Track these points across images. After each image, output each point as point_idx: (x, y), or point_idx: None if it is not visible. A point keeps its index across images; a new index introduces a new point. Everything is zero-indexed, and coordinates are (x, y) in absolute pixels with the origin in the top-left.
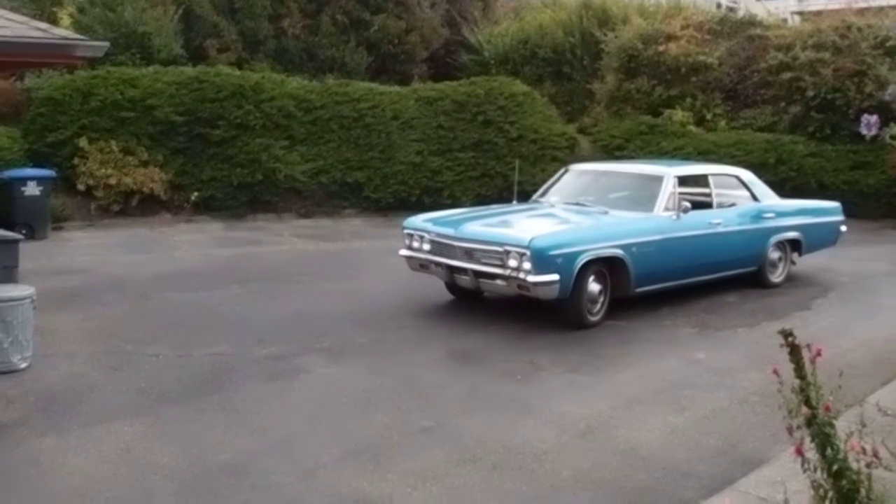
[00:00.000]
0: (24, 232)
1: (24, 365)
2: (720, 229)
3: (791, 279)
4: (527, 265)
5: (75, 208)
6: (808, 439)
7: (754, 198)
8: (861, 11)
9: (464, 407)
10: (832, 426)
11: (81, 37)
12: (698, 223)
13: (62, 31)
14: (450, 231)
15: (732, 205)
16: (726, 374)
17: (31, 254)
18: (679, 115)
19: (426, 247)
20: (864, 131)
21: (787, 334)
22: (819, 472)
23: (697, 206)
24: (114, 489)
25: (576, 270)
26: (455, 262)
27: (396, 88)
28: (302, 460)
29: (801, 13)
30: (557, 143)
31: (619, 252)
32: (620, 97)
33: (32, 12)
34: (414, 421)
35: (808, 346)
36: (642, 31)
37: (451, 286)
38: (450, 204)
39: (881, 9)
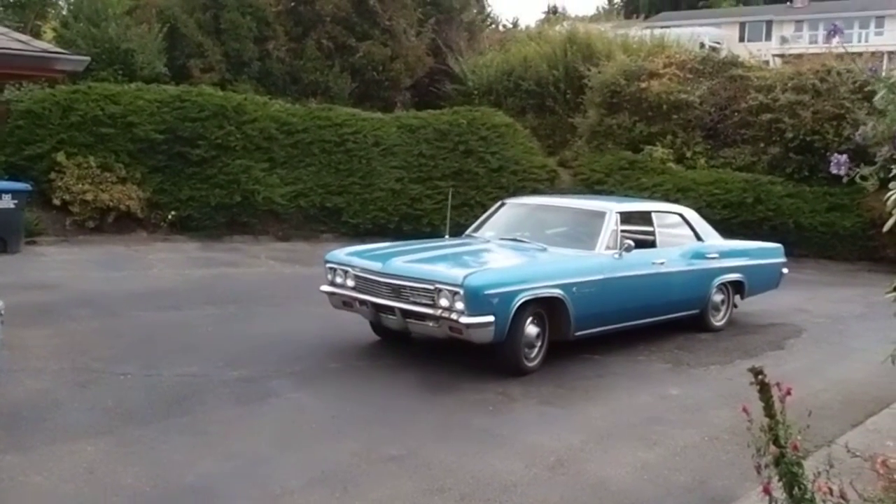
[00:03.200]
0: None
1: None
2: (663, 269)
3: (765, 318)
4: (459, 305)
5: (50, 223)
6: (775, 478)
7: (697, 237)
8: (841, 56)
9: (434, 436)
10: (800, 465)
11: (62, 50)
12: (641, 263)
13: (42, 45)
14: (376, 266)
15: (676, 244)
16: (698, 410)
17: (2, 267)
18: (659, 151)
19: (350, 283)
20: (833, 170)
21: (756, 372)
22: None
23: (640, 244)
24: None
25: (512, 312)
26: (381, 300)
27: (379, 115)
28: (268, 485)
29: (782, 56)
30: (538, 175)
31: (558, 292)
32: (602, 132)
33: (15, 24)
34: (383, 449)
35: (778, 384)
36: (625, 67)
37: (377, 326)
38: (429, 232)
39: (860, 54)
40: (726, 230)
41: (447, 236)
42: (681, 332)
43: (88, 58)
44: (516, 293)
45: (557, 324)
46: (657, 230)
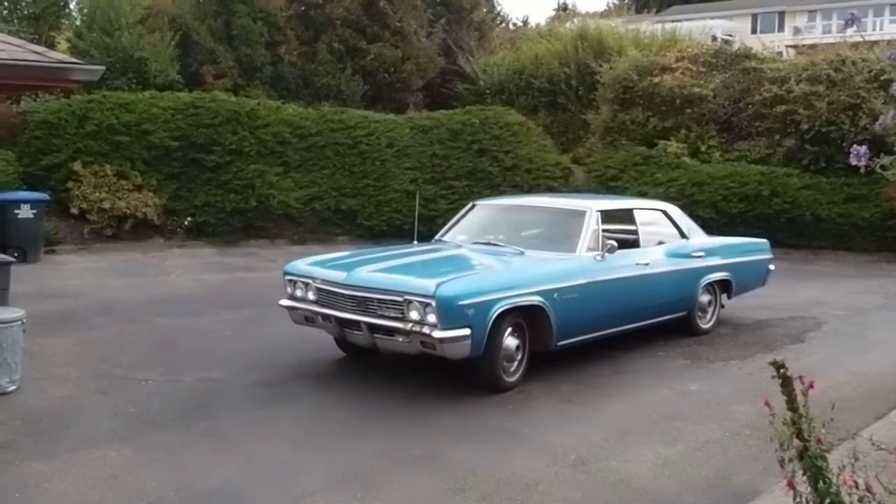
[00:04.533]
0: (16, 255)
1: (12, 388)
2: (649, 270)
3: (784, 311)
4: (431, 318)
5: (68, 232)
6: (799, 472)
7: (682, 235)
8: (855, 45)
9: (455, 436)
10: (824, 459)
11: (77, 61)
12: (625, 264)
13: (58, 55)
14: (339, 277)
15: (660, 243)
16: (718, 406)
17: (22, 276)
18: (673, 146)
19: (311, 296)
20: (853, 162)
21: (779, 366)
22: None
23: (622, 244)
24: None
25: (490, 323)
26: (345, 314)
27: (392, 116)
28: (290, 487)
29: (795, 46)
30: (552, 173)
31: (538, 300)
32: (615, 128)
33: (30, 36)
34: (404, 449)
35: (801, 378)
36: (637, 62)
37: (342, 342)
38: None
39: (875, 43)
40: (742, 224)
41: (416, 242)
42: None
43: (103, 67)
44: (493, 302)
45: (538, 334)
46: (640, 229)
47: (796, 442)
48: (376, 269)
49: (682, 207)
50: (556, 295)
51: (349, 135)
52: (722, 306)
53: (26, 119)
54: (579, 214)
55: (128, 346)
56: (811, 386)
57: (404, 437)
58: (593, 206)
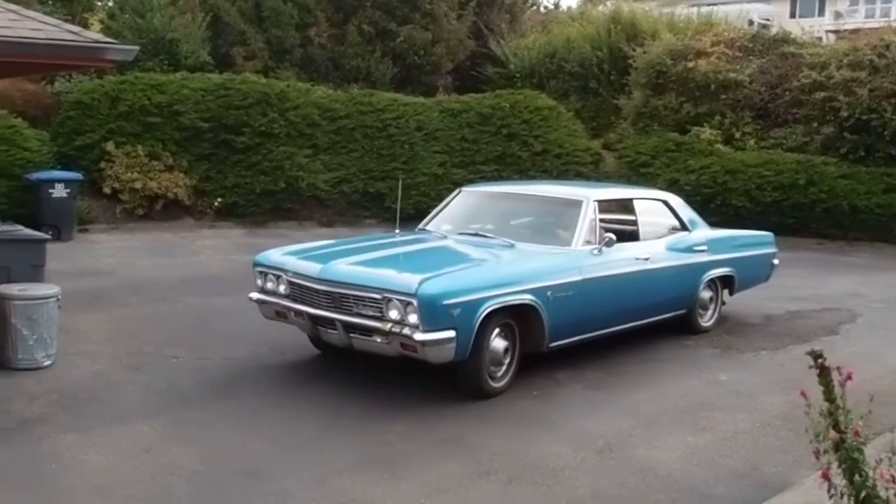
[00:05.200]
0: (50, 233)
1: (47, 363)
2: (649, 266)
3: (818, 303)
4: (413, 318)
5: (101, 211)
6: (835, 464)
7: (684, 227)
8: None
9: (481, 419)
10: (861, 452)
11: (112, 41)
12: (624, 259)
13: (93, 35)
14: (313, 270)
15: (661, 235)
16: (748, 396)
17: (56, 254)
18: (707, 133)
19: (283, 289)
20: None
21: (816, 356)
22: (846, 498)
23: (620, 237)
24: (132, 487)
25: (477, 324)
26: (319, 311)
27: (421, 99)
28: (316, 467)
29: (836, 31)
30: (582, 158)
31: (530, 298)
32: (647, 113)
33: (63, 17)
34: (430, 431)
35: (839, 368)
36: (671, 46)
37: (316, 340)
38: None
39: None
40: (776, 213)
41: (398, 231)
42: (729, 317)
43: (137, 47)
44: (481, 302)
45: (529, 335)
46: (640, 220)
47: (833, 433)
48: (354, 263)
49: (714, 196)
50: (549, 293)
51: (378, 118)
52: (723, 303)
53: (60, 100)
54: (575, 204)
55: (158, 324)
56: (849, 377)
57: (429, 420)
58: (590, 194)
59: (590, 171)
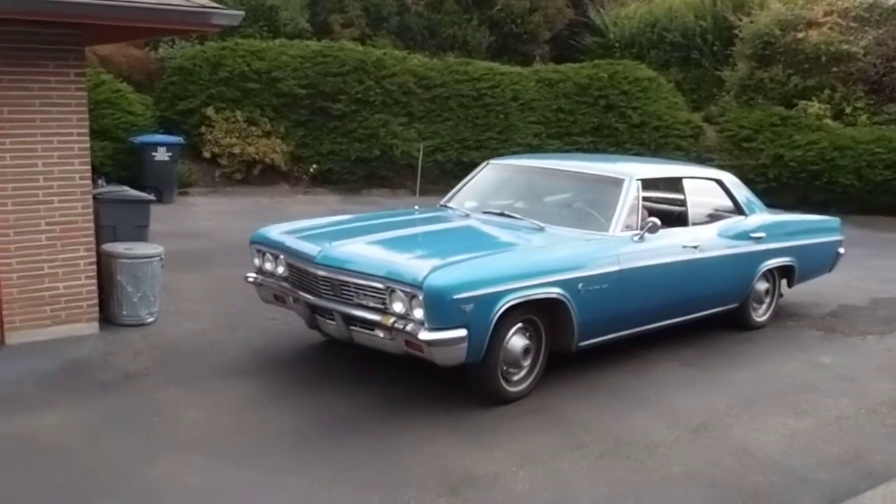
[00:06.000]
0: (152, 195)
1: (150, 319)
2: (698, 255)
3: None
4: (418, 313)
5: (200, 175)
6: None
7: (740, 210)
8: None
9: (572, 392)
10: None
11: (218, 5)
12: (670, 247)
13: (200, 0)
14: (311, 252)
15: (713, 220)
16: (853, 381)
17: (158, 216)
18: (815, 107)
19: (281, 271)
20: None
21: None
22: None
23: (666, 221)
24: (229, 441)
25: (493, 321)
26: (316, 299)
27: (517, 69)
28: (406, 430)
29: None
30: (682, 131)
31: (558, 292)
32: (752, 86)
33: None
34: (522, 402)
35: None
36: (780, 16)
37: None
38: None
39: None
40: (887, 192)
41: (418, 207)
42: (834, 299)
43: (243, 12)
44: (500, 296)
45: (555, 332)
46: (689, 202)
47: None
48: (357, 245)
49: (820, 173)
50: (580, 285)
51: (474, 86)
52: (780, 295)
53: (164, 65)
54: (616, 183)
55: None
56: None
57: None
58: (633, 172)
59: (689, 145)
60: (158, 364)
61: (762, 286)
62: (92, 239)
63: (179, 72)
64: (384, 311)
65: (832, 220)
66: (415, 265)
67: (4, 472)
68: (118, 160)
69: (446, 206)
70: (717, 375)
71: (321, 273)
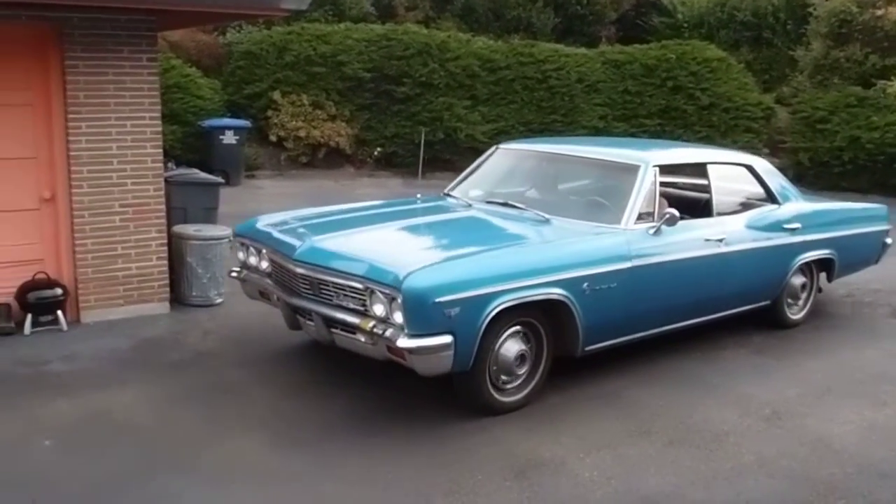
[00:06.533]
0: (220, 178)
1: (218, 300)
2: (723, 249)
3: None
4: (398, 317)
5: (266, 158)
6: None
7: (772, 199)
8: None
9: (639, 378)
10: None
11: None
12: (690, 240)
13: None
14: (291, 247)
15: (741, 209)
16: None
17: (226, 198)
18: (895, 87)
19: (265, 266)
20: None
21: None
22: None
23: (688, 211)
24: (296, 422)
25: (482, 326)
26: (295, 299)
27: (583, 50)
28: (473, 415)
29: None
30: (752, 113)
31: (559, 292)
32: (827, 66)
33: None
34: (587, 388)
35: None
36: None
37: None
38: None
39: None
40: None
41: (420, 196)
42: None
43: None
44: (490, 298)
45: (557, 336)
46: (714, 190)
47: None
48: (339, 240)
49: None
50: (585, 284)
51: (538, 69)
52: (819, 290)
53: (231, 50)
54: (630, 170)
55: None
56: None
57: (588, 375)
58: (650, 157)
59: (760, 127)
60: (227, 344)
61: (798, 281)
62: (163, 220)
63: (246, 56)
64: (364, 314)
65: (877, 208)
66: (394, 263)
67: (83, 448)
68: (187, 143)
69: (449, 195)
70: (788, 364)
71: (299, 270)
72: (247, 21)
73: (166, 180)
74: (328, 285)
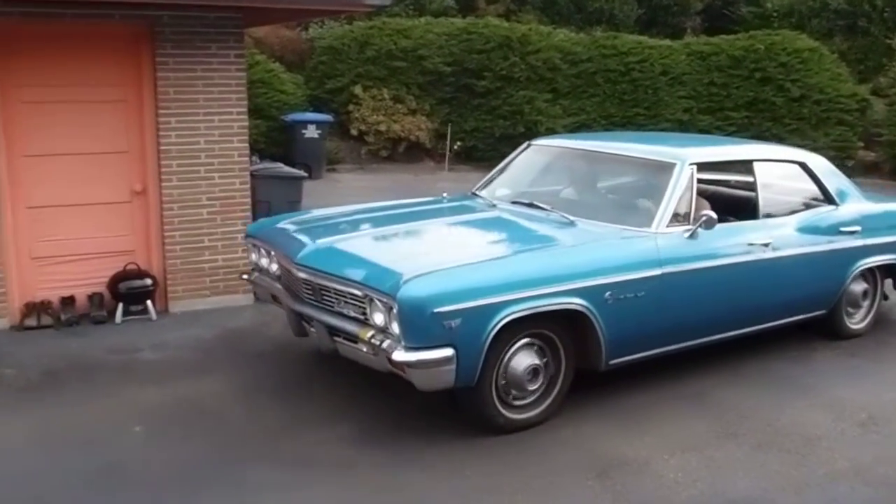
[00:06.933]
0: (303, 171)
1: None
2: (769, 254)
3: None
4: (396, 327)
5: (347, 152)
6: None
7: (828, 199)
8: None
9: (727, 377)
10: None
11: None
12: (730, 245)
13: None
14: (294, 249)
15: (792, 211)
16: None
17: (308, 191)
18: None
19: (275, 269)
20: None
21: None
22: None
23: (729, 213)
24: (376, 416)
25: (488, 339)
26: (298, 305)
27: (667, 42)
28: (555, 414)
29: None
30: (846, 105)
31: (579, 303)
32: None
33: None
34: (673, 387)
35: None
36: None
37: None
38: None
39: None
40: None
41: (446, 195)
42: None
43: None
44: (496, 308)
45: (578, 349)
46: (760, 189)
47: None
48: (345, 242)
49: None
50: (608, 294)
51: (621, 61)
52: (885, 297)
53: (314, 45)
54: (664, 168)
55: None
56: None
57: (672, 373)
58: (687, 155)
59: (854, 120)
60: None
61: (858, 288)
62: (249, 213)
63: (328, 51)
64: (364, 323)
65: None
66: (394, 270)
67: (171, 436)
68: (270, 137)
69: (475, 195)
70: (886, 367)
71: (301, 275)
72: (330, 17)
73: (251, 174)
74: (329, 291)
